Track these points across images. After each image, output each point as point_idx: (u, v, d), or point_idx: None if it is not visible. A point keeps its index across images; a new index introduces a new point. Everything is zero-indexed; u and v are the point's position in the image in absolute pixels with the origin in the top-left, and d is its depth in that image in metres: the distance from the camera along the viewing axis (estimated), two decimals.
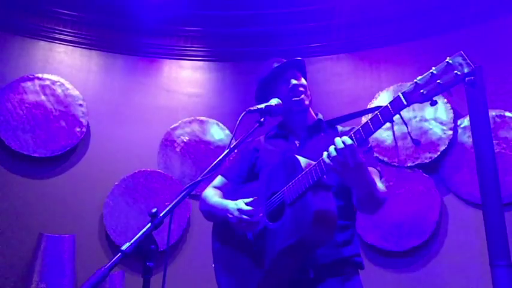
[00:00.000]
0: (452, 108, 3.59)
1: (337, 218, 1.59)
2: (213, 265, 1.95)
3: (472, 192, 3.39)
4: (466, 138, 3.50)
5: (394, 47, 3.98)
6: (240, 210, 1.71)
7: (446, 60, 1.33)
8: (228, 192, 1.99)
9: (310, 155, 1.68)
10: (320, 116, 1.99)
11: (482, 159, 3.03)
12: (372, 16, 4.00)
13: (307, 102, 1.92)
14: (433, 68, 1.35)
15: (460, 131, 3.57)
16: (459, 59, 1.31)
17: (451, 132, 3.55)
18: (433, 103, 1.36)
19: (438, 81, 1.33)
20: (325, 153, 1.50)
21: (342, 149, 1.44)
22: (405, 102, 1.39)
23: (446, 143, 3.54)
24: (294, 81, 1.91)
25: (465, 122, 3.53)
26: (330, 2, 4.00)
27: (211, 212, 1.94)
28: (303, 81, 1.96)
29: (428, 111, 3.64)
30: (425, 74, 1.36)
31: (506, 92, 3.49)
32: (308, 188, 1.56)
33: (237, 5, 4.12)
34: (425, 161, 3.57)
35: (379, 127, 1.45)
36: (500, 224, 2.91)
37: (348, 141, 1.45)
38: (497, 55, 3.55)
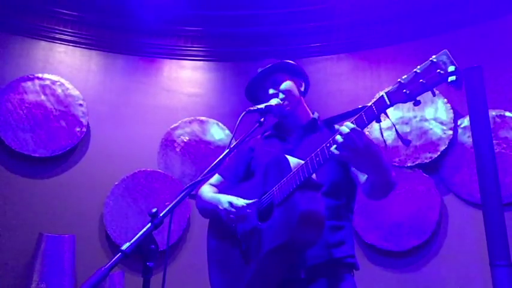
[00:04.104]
0: (452, 108, 3.59)
1: (326, 219, 1.59)
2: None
3: (472, 192, 3.39)
4: (466, 138, 3.50)
5: (394, 47, 3.98)
6: (230, 203, 1.75)
7: (431, 59, 1.29)
8: (223, 190, 2.00)
9: (304, 155, 1.68)
10: (315, 115, 1.98)
11: (482, 159, 3.03)
12: (372, 16, 4.00)
13: (288, 108, 1.89)
14: (418, 66, 1.32)
15: (460, 131, 3.57)
16: (443, 58, 1.27)
17: (451, 132, 3.55)
18: (417, 103, 1.33)
19: (421, 80, 1.29)
20: (333, 146, 1.46)
21: (347, 133, 1.42)
22: (388, 102, 1.37)
23: (446, 143, 3.54)
24: (271, 91, 1.89)
25: (465, 122, 3.53)
26: (330, 2, 4.00)
27: (205, 207, 1.96)
28: (285, 85, 1.92)
29: (428, 111, 3.64)
30: (410, 73, 1.33)
31: (506, 92, 3.49)
32: (295, 188, 1.56)
33: (237, 5, 4.12)
34: (425, 161, 3.57)
35: (364, 127, 1.44)
36: (500, 224, 2.91)
37: (351, 125, 1.43)
38: (497, 55, 3.55)
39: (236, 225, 1.79)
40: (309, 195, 1.56)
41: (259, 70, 1.95)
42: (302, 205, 1.52)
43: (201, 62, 4.37)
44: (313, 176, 1.57)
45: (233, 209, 1.72)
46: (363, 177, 1.72)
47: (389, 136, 3.70)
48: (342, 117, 1.89)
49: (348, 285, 1.70)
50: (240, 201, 1.74)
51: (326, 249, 1.69)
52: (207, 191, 2.00)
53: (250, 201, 1.74)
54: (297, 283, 1.66)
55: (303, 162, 1.59)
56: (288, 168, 1.62)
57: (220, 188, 2.02)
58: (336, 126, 1.92)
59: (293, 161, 1.65)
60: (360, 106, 1.53)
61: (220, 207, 1.79)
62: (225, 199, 1.80)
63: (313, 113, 2.00)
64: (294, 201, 1.55)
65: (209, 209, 1.92)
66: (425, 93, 1.32)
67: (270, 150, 1.91)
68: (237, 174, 2.02)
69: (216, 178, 2.07)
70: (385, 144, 3.67)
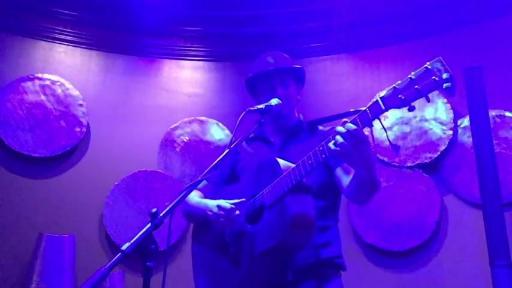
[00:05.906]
0: (452, 108, 3.59)
1: (316, 221, 1.59)
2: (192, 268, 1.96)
3: (472, 192, 3.39)
4: (466, 138, 3.50)
5: (394, 47, 3.98)
6: (219, 206, 1.72)
7: (425, 65, 1.31)
8: (209, 194, 1.99)
9: (289, 158, 1.68)
10: (301, 117, 1.98)
11: (482, 159, 3.03)
12: (372, 16, 4.00)
13: (286, 110, 1.89)
14: (412, 72, 1.33)
15: (460, 131, 3.57)
16: (438, 65, 1.28)
17: (451, 132, 3.55)
18: (411, 109, 1.34)
19: (416, 86, 1.31)
20: (331, 143, 1.46)
21: (349, 127, 1.42)
22: (383, 107, 1.37)
23: (446, 143, 3.54)
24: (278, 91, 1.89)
25: (465, 122, 3.53)
26: (330, 2, 4.00)
27: (192, 212, 1.94)
28: (290, 90, 1.92)
29: (428, 111, 3.64)
30: (404, 78, 1.34)
31: (506, 92, 3.49)
32: (287, 191, 1.56)
33: (237, 5, 4.12)
34: (425, 161, 3.57)
35: None
36: (500, 224, 2.91)
37: (351, 126, 1.43)
38: (497, 55, 3.55)
39: (224, 229, 1.78)
40: (300, 198, 1.57)
41: (271, 60, 1.93)
42: (294, 208, 1.53)
43: (201, 62, 4.37)
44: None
45: (222, 212, 1.70)
46: (346, 180, 1.71)
47: (389, 136, 3.70)
48: (327, 120, 1.90)
49: (335, 286, 1.71)
50: (228, 204, 1.71)
51: (313, 249, 1.70)
52: (192, 195, 1.98)
53: (237, 200, 1.73)
54: (285, 285, 1.66)
55: (292, 165, 1.60)
56: (278, 171, 1.62)
57: (205, 192, 2.01)
58: (320, 128, 1.92)
59: (283, 163, 1.65)
60: (352, 110, 1.53)
61: (209, 212, 1.76)
62: (212, 203, 1.77)
63: (298, 115, 2.00)
64: (285, 204, 1.55)
65: (195, 214, 1.91)
66: (419, 99, 1.33)
67: (256, 153, 1.91)
68: (221, 177, 2.01)
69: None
70: (390, 142, 3.67)
